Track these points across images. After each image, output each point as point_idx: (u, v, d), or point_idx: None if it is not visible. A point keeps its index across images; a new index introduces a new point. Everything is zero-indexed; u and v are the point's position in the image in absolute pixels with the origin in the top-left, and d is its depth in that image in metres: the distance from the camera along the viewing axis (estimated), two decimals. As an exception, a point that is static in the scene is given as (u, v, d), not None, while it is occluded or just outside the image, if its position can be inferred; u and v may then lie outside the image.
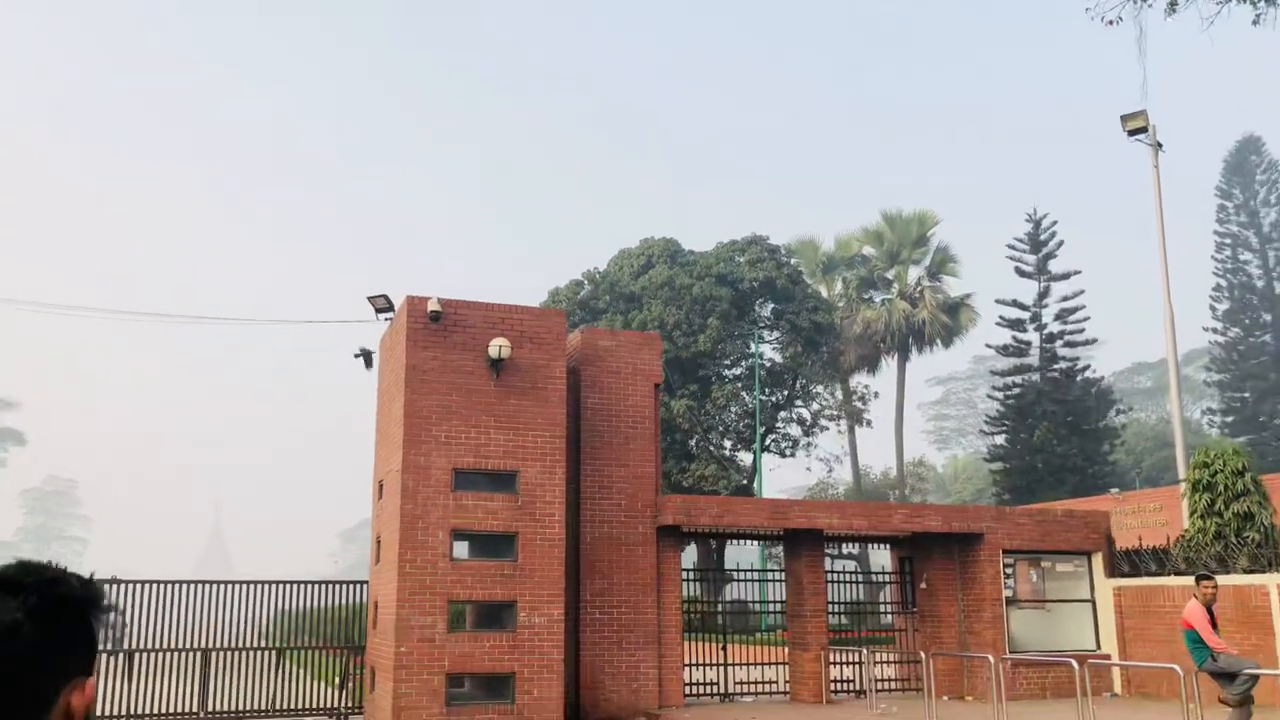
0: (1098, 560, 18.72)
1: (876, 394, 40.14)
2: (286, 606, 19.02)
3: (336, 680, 18.31)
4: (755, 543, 24.96)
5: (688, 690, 17.18)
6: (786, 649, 18.30)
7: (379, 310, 16.89)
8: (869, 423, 40.21)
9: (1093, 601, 18.60)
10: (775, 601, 23.40)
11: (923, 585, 18.97)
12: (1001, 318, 45.40)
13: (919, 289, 46.68)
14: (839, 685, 18.29)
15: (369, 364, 16.58)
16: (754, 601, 24.56)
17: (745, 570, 19.99)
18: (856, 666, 18.73)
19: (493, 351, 15.56)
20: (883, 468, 55.75)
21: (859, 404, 40.13)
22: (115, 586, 17.82)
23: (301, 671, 18.74)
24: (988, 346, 48.44)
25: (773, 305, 37.09)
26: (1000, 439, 45.86)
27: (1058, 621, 18.60)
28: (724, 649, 18.08)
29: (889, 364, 47.46)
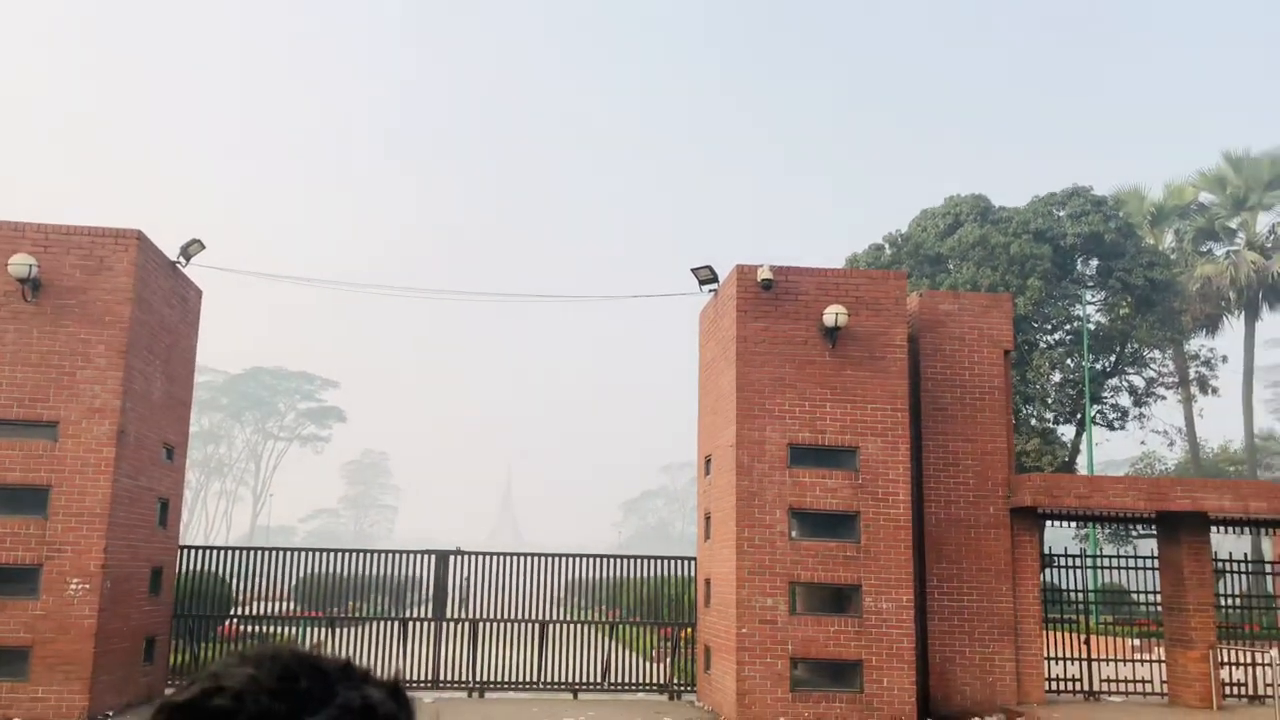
0: None
1: (1225, 358, 35.47)
2: (607, 578, 19.15)
3: (668, 658, 18.18)
4: (1070, 524, 22.42)
5: (1047, 686, 15.58)
6: (1153, 642, 16.22)
7: (703, 282, 16.38)
8: (1215, 390, 35.59)
9: None
10: (1110, 590, 21.15)
11: (1331, 579, 16.19)
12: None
13: (1271, 237, 40.89)
14: (1229, 689, 15.98)
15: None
16: (1074, 590, 22.29)
17: (1114, 556, 17.96)
18: (1248, 668, 16.34)
19: (828, 319, 14.61)
20: (1220, 441, 49.67)
21: (1203, 369, 35.61)
22: (459, 557, 18.57)
23: (621, 645, 18.81)
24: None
25: (1098, 262, 33.61)
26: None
27: None
28: (1086, 642, 16.28)
29: (1232, 324, 41.96)
